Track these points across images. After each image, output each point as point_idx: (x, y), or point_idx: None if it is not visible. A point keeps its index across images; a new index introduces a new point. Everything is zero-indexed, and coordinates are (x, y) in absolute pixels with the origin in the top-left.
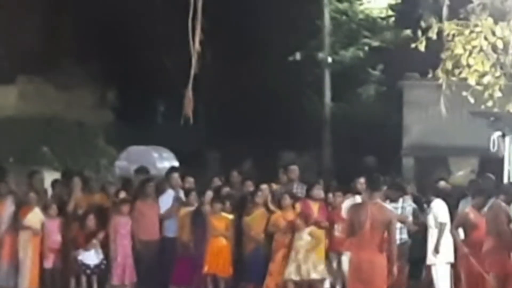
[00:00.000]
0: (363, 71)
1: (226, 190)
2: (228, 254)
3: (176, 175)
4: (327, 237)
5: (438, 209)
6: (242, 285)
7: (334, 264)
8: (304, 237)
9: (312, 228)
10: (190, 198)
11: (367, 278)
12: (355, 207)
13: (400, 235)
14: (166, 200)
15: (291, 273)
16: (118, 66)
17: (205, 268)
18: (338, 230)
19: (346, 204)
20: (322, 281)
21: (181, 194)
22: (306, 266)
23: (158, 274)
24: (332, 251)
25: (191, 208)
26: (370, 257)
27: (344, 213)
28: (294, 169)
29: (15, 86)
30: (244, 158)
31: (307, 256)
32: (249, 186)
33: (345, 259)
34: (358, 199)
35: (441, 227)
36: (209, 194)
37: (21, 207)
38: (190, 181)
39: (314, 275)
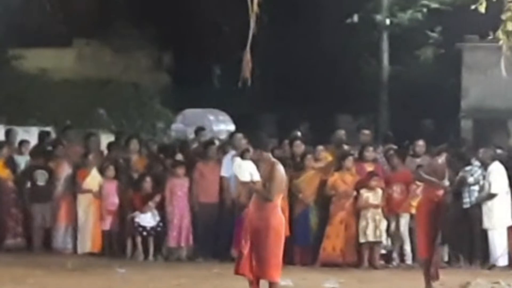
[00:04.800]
0: (421, 33)
1: (277, 152)
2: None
3: (240, 136)
4: (384, 199)
5: (493, 177)
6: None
7: (392, 227)
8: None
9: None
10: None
11: None
12: None
13: (469, 198)
14: (228, 161)
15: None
16: (174, 29)
17: None
18: (396, 192)
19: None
20: (378, 244)
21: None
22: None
23: (218, 237)
24: (390, 213)
25: None
26: None
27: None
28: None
29: (72, 49)
30: (301, 121)
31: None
32: (299, 147)
33: (404, 221)
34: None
35: (489, 197)
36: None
37: (78, 169)
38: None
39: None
